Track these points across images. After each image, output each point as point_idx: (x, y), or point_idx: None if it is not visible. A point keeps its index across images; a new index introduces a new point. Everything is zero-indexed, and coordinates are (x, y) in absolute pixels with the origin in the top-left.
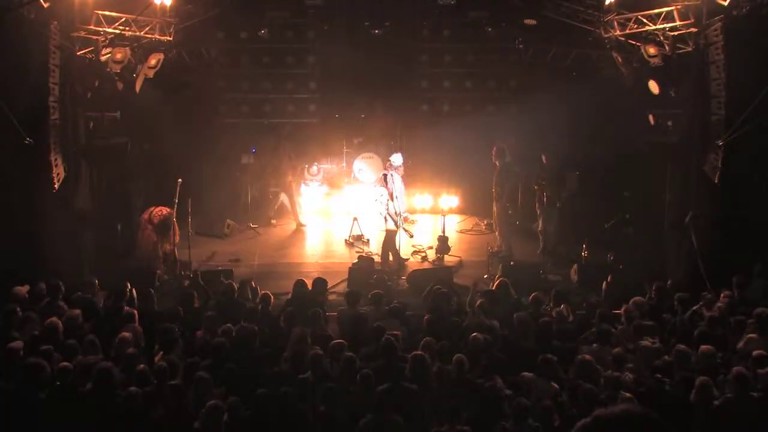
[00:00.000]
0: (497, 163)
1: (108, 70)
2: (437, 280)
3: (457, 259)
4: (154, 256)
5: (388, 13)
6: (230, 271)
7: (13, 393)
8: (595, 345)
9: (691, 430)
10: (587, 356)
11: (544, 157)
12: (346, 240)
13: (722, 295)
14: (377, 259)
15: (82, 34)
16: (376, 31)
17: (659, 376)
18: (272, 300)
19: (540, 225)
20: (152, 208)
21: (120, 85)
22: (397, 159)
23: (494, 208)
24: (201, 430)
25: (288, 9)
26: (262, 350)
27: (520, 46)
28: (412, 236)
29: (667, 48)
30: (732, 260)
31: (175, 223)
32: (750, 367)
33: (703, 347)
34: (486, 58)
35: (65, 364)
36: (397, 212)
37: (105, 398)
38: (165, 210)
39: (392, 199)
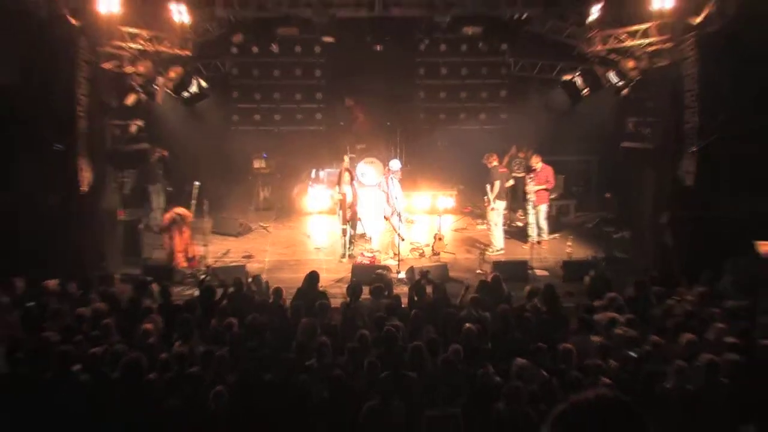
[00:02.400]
0: (488, 167)
1: (132, 82)
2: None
3: (452, 255)
4: (174, 253)
5: (388, 29)
6: (243, 267)
7: (49, 381)
8: (577, 335)
9: (665, 414)
10: (569, 345)
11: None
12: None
13: (695, 289)
14: (378, 256)
15: (108, 49)
16: (378, 47)
17: (632, 355)
18: (284, 293)
19: (528, 220)
20: (173, 210)
21: (143, 96)
22: (395, 164)
23: (487, 209)
24: (213, 413)
25: (296, 26)
26: (272, 339)
27: (510, 59)
28: (403, 240)
29: (644, 62)
30: (704, 257)
31: (191, 222)
32: (719, 355)
33: (687, 335)
34: (478, 71)
35: (94, 351)
36: (394, 212)
37: (131, 385)
38: (184, 212)
39: (389, 202)
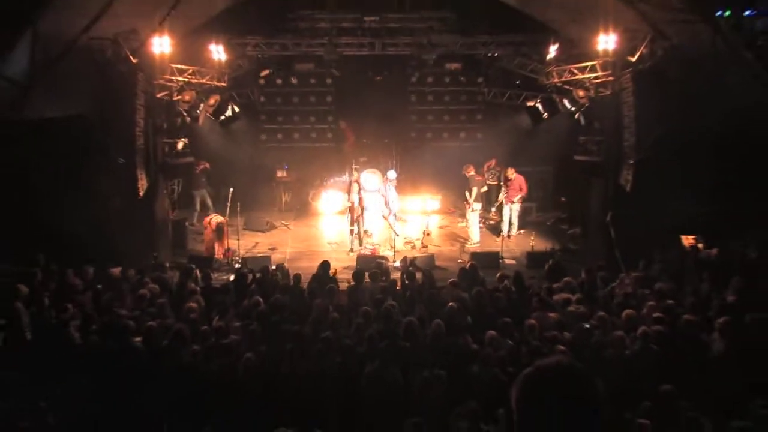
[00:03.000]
0: (467, 176)
1: (179, 108)
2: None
3: (438, 248)
4: (213, 246)
5: (386, 65)
6: (268, 257)
7: (115, 350)
8: (538, 312)
9: (609, 375)
10: (532, 320)
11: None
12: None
13: (632, 274)
14: (378, 248)
15: (161, 81)
16: (378, 78)
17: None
18: (302, 278)
19: (501, 217)
20: (211, 215)
21: (188, 119)
22: (391, 174)
23: (467, 209)
24: (244, 377)
25: (312, 62)
26: (292, 315)
27: (484, 89)
28: (397, 235)
29: (591, 92)
30: (639, 249)
31: (227, 222)
32: (650, 327)
33: (627, 312)
34: (459, 98)
35: (150, 324)
36: (390, 212)
37: (178, 353)
38: (220, 218)
39: (387, 204)
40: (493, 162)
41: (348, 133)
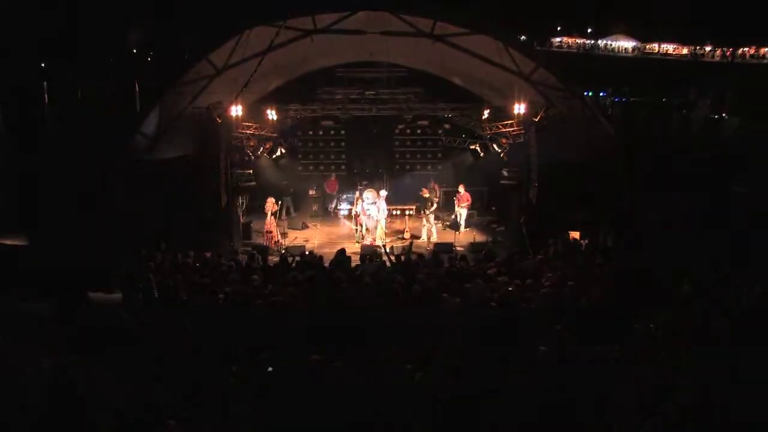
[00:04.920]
0: (426, 195)
1: (247, 150)
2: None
3: (413, 240)
4: (269, 239)
5: (380, 121)
6: (303, 246)
7: (202, 305)
8: (477, 281)
9: (522, 321)
10: (470, 286)
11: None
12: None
13: (537, 257)
14: (375, 241)
15: (235, 133)
16: (375, 130)
17: (509, 290)
18: (324, 259)
19: (454, 221)
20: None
21: (252, 157)
22: (383, 192)
23: (428, 216)
24: (293, 323)
25: (332, 120)
26: (319, 284)
27: (443, 137)
28: (386, 232)
29: (511, 140)
30: (541, 239)
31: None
32: (546, 289)
33: (529, 280)
34: (426, 143)
35: (228, 289)
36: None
37: (246, 307)
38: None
39: (379, 213)
40: (434, 184)
41: (330, 180)
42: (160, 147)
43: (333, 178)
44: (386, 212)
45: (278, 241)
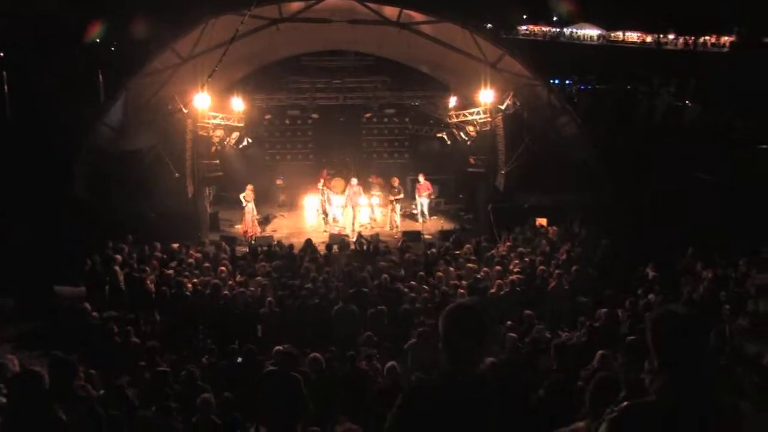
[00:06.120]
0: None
1: (213, 140)
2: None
3: (381, 228)
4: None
5: (347, 109)
6: (272, 236)
7: (171, 296)
8: (445, 267)
9: (491, 309)
10: (440, 272)
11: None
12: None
13: (504, 244)
14: (342, 230)
15: (201, 123)
16: (341, 119)
17: (477, 277)
18: (294, 248)
19: (417, 210)
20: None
21: (219, 147)
22: (353, 181)
23: (394, 205)
24: (264, 314)
25: (299, 109)
26: (287, 273)
27: (410, 126)
28: (354, 220)
29: (477, 128)
30: (508, 227)
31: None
32: (515, 275)
33: (497, 267)
34: (393, 132)
35: (196, 280)
36: (348, 205)
37: (213, 298)
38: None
39: (347, 201)
40: (395, 180)
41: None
42: (126, 138)
43: (333, 175)
44: (353, 200)
45: (246, 231)
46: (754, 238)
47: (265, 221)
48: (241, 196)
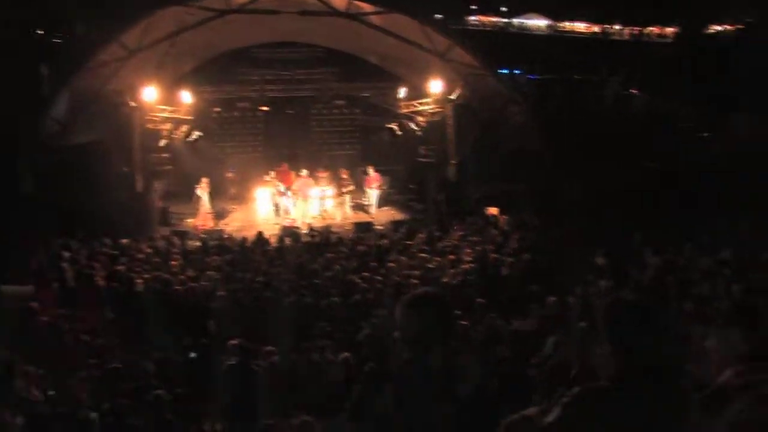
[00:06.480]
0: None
1: (162, 134)
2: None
3: (333, 220)
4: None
5: (296, 102)
6: (222, 230)
7: (123, 291)
8: (398, 257)
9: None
10: (392, 263)
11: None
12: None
13: (456, 232)
14: (294, 222)
15: (150, 117)
16: (291, 111)
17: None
18: (247, 241)
19: (368, 201)
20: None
21: (167, 140)
22: (303, 172)
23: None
24: (217, 307)
25: (248, 101)
26: (239, 266)
27: (360, 117)
28: (306, 212)
29: (427, 118)
30: (448, 216)
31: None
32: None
33: (450, 257)
34: (343, 123)
35: (147, 276)
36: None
37: (166, 293)
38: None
39: (298, 192)
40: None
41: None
42: (73, 131)
43: (284, 168)
44: (305, 191)
45: (197, 225)
46: (698, 224)
47: (220, 215)
48: (197, 190)
